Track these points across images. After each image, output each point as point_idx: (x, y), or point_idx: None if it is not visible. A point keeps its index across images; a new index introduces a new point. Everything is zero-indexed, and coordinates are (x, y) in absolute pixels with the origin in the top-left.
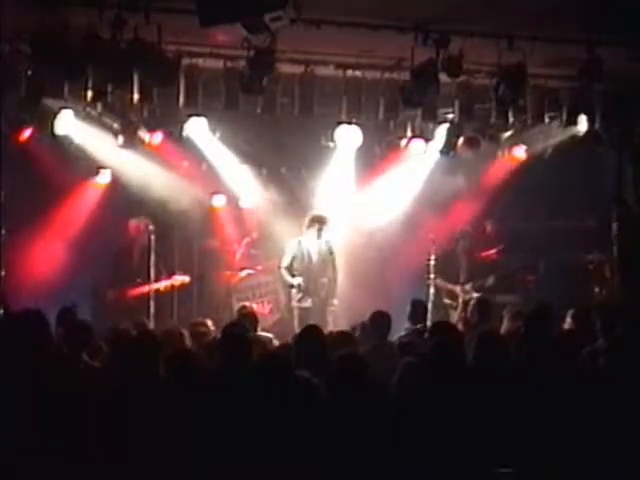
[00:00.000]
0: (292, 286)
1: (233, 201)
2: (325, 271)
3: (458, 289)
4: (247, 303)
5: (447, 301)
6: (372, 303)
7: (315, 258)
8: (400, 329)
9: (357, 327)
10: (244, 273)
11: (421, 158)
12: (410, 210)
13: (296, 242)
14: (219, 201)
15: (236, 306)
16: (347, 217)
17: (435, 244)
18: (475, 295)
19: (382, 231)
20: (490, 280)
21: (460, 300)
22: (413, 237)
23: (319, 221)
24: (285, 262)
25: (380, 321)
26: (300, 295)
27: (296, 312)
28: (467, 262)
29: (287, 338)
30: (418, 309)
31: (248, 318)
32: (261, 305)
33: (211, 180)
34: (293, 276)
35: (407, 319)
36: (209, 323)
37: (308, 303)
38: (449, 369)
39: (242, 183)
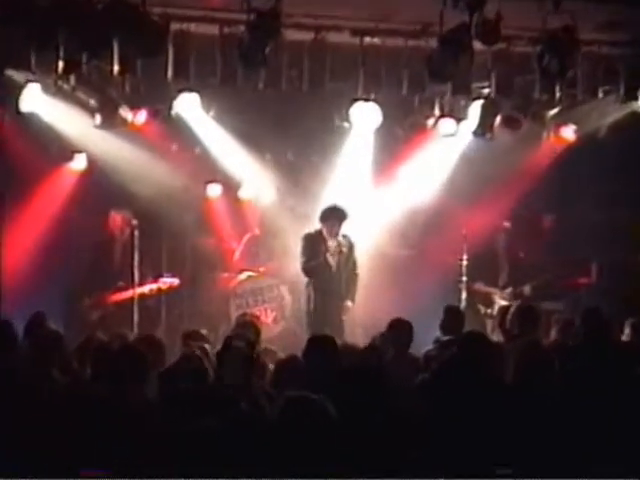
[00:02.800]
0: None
1: (231, 191)
2: (344, 272)
3: (496, 294)
4: (247, 310)
5: (481, 308)
6: (395, 310)
7: (332, 257)
8: (428, 340)
9: (376, 338)
10: (244, 275)
11: (451, 141)
12: (439, 202)
13: (310, 238)
14: (214, 191)
15: (235, 314)
16: (365, 210)
17: (468, 241)
18: (515, 302)
19: (406, 226)
20: (530, 286)
21: (497, 307)
22: (443, 233)
23: (336, 214)
24: (305, 260)
25: (398, 329)
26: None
27: (308, 319)
28: (509, 263)
29: (294, 350)
30: (452, 317)
31: (249, 328)
32: (264, 313)
33: (205, 167)
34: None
35: (439, 328)
36: (205, 333)
37: (323, 309)
38: (474, 390)
39: (241, 170)
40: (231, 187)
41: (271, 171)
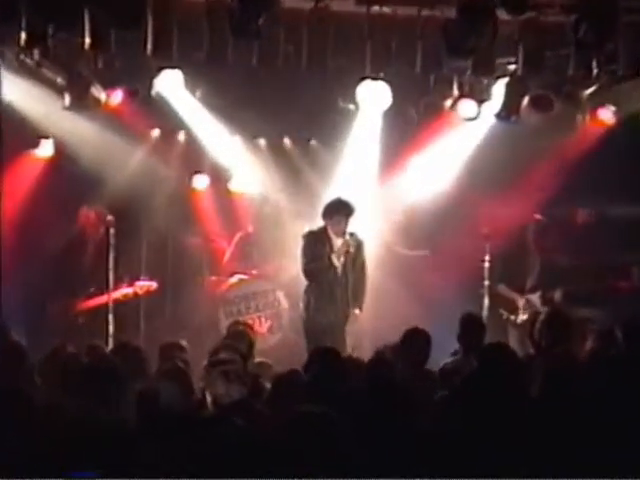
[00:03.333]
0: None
1: (220, 183)
2: (351, 275)
3: (521, 299)
4: (240, 318)
5: (504, 314)
6: (408, 317)
7: (337, 258)
8: (445, 353)
9: (386, 349)
10: (235, 279)
11: (472, 125)
12: (458, 194)
13: (313, 237)
14: (201, 183)
15: (224, 323)
16: (374, 204)
17: (491, 239)
18: (544, 308)
19: (420, 222)
20: (561, 291)
21: (521, 314)
22: (462, 230)
23: (342, 210)
24: (306, 261)
25: (414, 342)
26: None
27: (312, 328)
28: (538, 263)
29: (293, 364)
30: (470, 327)
31: (241, 338)
32: (258, 321)
33: (190, 155)
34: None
35: (457, 340)
36: (184, 345)
37: (326, 318)
38: (499, 408)
39: (232, 159)
40: (220, 178)
41: (266, 160)
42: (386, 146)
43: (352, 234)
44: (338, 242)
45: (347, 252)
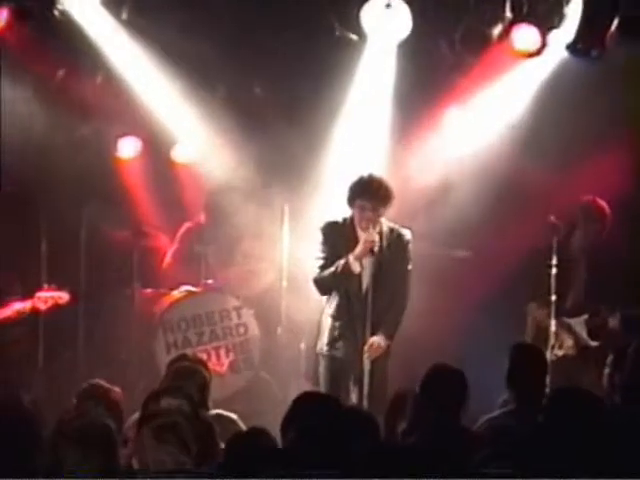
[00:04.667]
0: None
1: (158, 151)
2: (384, 288)
3: (558, 325)
4: (188, 351)
5: (555, 346)
6: (439, 346)
7: (358, 261)
8: (488, 399)
9: (408, 395)
10: (181, 292)
11: (532, 63)
12: (511, 169)
13: (332, 231)
14: (130, 149)
15: (164, 357)
16: (388, 181)
17: (559, 234)
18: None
19: (457, 208)
20: (616, 316)
21: (557, 347)
22: (518, 220)
23: (366, 192)
24: (319, 266)
25: (440, 386)
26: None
27: (323, 365)
28: (587, 274)
29: (266, 419)
30: (527, 363)
31: (189, 379)
32: (215, 355)
33: (114, 108)
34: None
35: (506, 380)
36: (114, 390)
37: (340, 351)
38: None
39: (176, 115)
40: (158, 144)
41: (227, 116)
42: (404, 95)
43: (393, 229)
44: (370, 239)
45: (372, 252)
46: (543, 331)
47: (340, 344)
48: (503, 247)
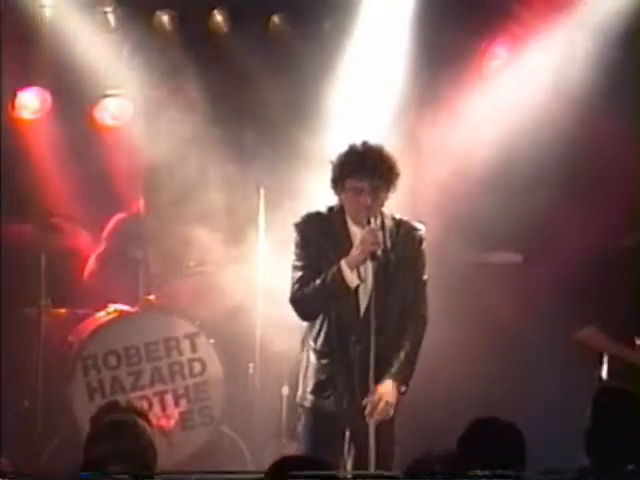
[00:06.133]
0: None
1: (75, 107)
2: (390, 305)
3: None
4: (119, 398)
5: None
6: (479, 388)
7: (355, 269)
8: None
9: (436, 460)
10: (110, 312)
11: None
12: (573, 140)
13: (313, 228)
14: (33, 105)
15: (86, 405)
16: (403, 163)
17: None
18: None
19: (500, 198)
20: None
21: None
22: (582, 212)
23: (364, 167)
24: (299, 278)
25: (482, 448)
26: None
27: (305, 422)
28: None
29: None
30: (613, 414)
31: (123, 441)
32: (158, 404)
33: (10, 47)
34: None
35: (584, 438)
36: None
37: (330, 402)
38: None
39: (100, 56)
40: (74, 98)
41: (178, 55)
42: (420, 67)
43: (399, 223)
44: (369, 237)
45: (373, 257)
46: (617, 362)
47: (329, 392)
48: (566, 251)
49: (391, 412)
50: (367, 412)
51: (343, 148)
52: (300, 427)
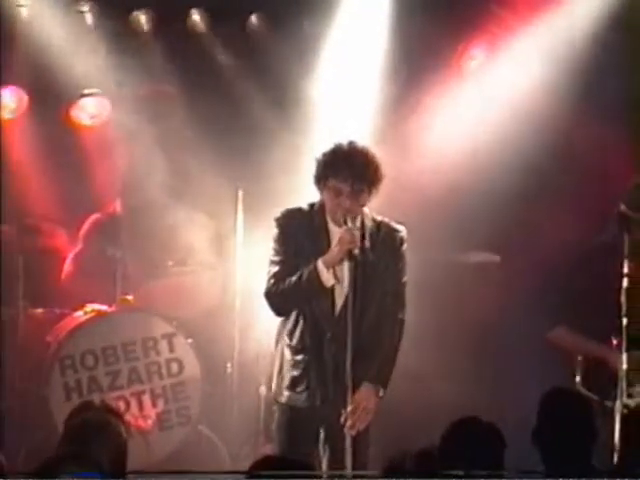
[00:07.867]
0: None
1: (52, 107)
2: (368, 307)
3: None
4: (94, 398)
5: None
6: (464, 391)
7: (331, 269)
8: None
9: (407, 461)
10: (87, 312)
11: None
12: (553, 136)
13: (291, 224)
14: (11, 104)
15: (62, 405)
16: (383, 162)
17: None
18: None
19: (482, 196)
20: None
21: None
22: (562, 209)
23: (345, 166)
24: (275, 273)
25: (463, 447)
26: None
27: (279, 418)
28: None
29: None
30: (559, 418)
31: (99, 442)
32: (136, 404)
33: None
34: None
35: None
36: None
37: (303, 398)
38: None
39: (80, 55)
40: (52, 97)
41: (156, 53)
42: (402, 49)
43: (379, 224)
44: (346, 237)
45: (351, 256)
46: (601, 369)
47: (302, 388)
48: (545, 250)
49: (370, 418)
50: (347, 426)
51: (328, 146)
52: (274, 424)
